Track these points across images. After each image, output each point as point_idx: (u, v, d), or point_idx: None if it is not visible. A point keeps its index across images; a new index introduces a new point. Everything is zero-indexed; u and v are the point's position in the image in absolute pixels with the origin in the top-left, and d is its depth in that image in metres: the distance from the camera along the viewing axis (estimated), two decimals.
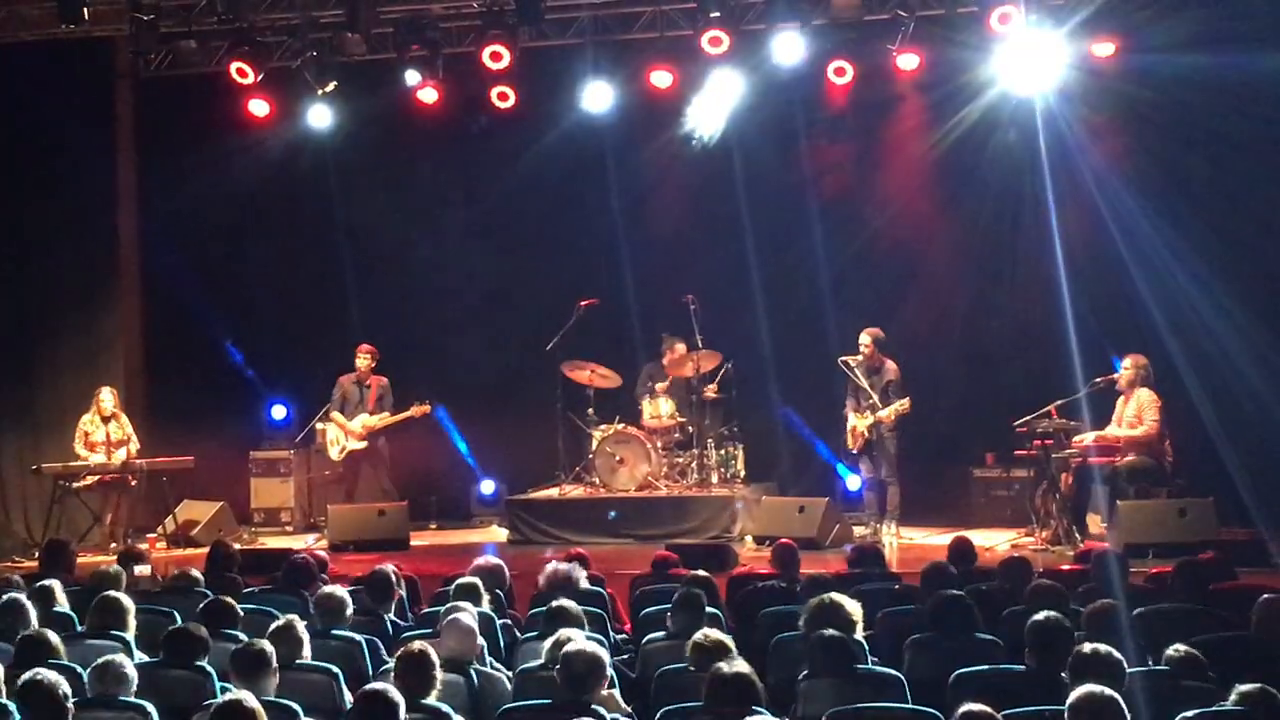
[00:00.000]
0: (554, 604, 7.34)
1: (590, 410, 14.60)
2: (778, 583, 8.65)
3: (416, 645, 6.14)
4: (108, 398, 14.08)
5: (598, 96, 14.28)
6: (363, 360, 14.59)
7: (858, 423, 13.43)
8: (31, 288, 15.20)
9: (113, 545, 13.22)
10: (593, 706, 5.83)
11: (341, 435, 14.59)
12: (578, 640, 6.34)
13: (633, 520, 13.77)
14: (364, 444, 14.53)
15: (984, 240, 14.58)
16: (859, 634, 6.80)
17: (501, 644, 7.71)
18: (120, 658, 6.21)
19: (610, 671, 6.22)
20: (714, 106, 14.42)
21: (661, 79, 14.11)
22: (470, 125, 15.09)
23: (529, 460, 15.10)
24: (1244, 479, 12.32)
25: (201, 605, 7.67)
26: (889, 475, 13.45)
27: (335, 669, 6.68)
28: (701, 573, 8.46)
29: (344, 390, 14.65)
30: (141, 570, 9.93)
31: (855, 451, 13.61)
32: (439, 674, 6.05)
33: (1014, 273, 14.55)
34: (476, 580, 8.06)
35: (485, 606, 7.81)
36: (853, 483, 14.04)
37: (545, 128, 14.87)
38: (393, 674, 6.06)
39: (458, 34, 14.47)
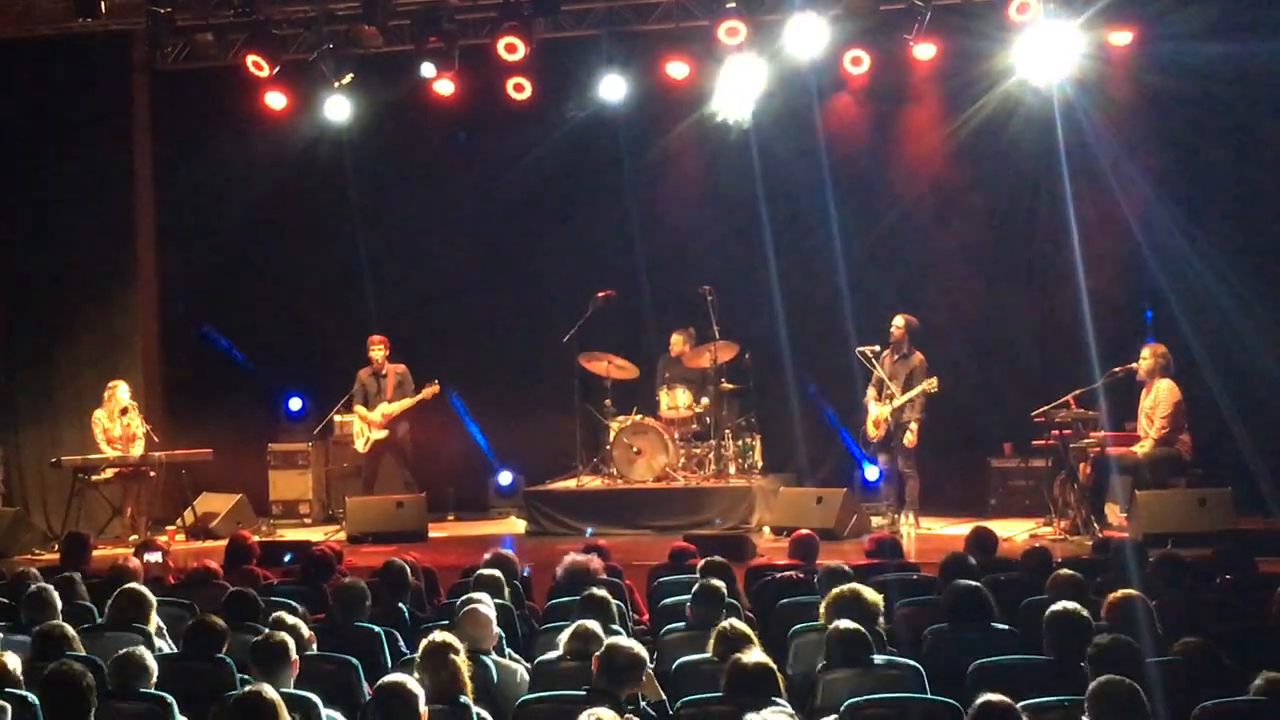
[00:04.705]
0: (585, 594, 7.34)
1: (607, 401, 14.59)
2: (796, 573, 8.64)
3: (439, 636, 6.07)
4: (123, 391, 14.11)
5: (613, 87, 14.28)
6: (376, 351, 14.58)
7: (879, 411, 13.36)
8: (49, 281, 15.25)
9: (133, 537, 13.26)
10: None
11: (365, 427, 14.59)
12: (620, 637, 6.33)
13: (650, 511, 13.77)
14: (385, 432, 14.53)
15: (1001, 230, 14.55)
16: (879, 625, 6.80)
17: (519, 635, 7.73)
18: (140, 650, 6.22)
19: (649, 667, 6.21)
20: (730, 97, 14.38)
21: (678, 70, 14.18)
22: (486, 117, 15.09)
23: (547, 452, 15.11)
24: (1261, 468, 12.30)
25: (221, 597, 7.70)
26: (907, 466, 13.40)
27: (354, 660, 6.70)
28: (718, 558, 8.46)
29: (363, 383, 14.64)
30: (152, 558, 9.93)
31: (876, 441, 13.53)
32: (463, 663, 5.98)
33: (1031, 262, 14.52)
34: (497, 572, 8.08)
35: (505, 598, 7.83)
36: (871, 473, 13.99)
37: (561, 119, 14.87)
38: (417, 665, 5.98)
39: (474, 26, 14.47)
